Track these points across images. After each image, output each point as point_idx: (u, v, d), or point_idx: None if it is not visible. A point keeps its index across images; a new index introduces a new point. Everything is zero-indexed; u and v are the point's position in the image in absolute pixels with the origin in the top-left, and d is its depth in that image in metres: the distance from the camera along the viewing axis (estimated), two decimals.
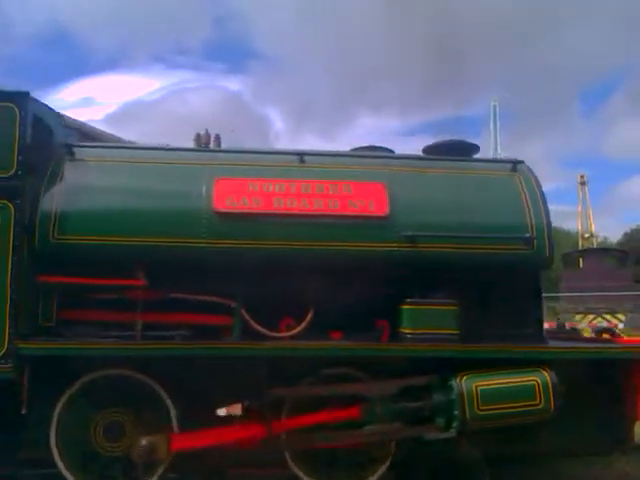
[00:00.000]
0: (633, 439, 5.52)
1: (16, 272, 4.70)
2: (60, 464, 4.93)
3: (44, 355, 4.76)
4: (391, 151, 6.31)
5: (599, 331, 6.28)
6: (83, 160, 5.31)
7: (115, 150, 5.54)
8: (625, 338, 6.13)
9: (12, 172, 4.79)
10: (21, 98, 4.86)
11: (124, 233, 5.02)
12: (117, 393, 5.08)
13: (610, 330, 6.48)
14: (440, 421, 5.07)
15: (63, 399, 4.97)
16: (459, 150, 6.18)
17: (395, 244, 5.21)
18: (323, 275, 5.25)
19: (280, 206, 5.16)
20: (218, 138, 6.16)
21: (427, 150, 6.32)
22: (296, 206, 5.18)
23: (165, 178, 5.28)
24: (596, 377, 5.41)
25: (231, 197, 5.15)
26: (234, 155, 5.59)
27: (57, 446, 4.94)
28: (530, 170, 5.77)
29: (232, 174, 5.30)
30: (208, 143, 6.03)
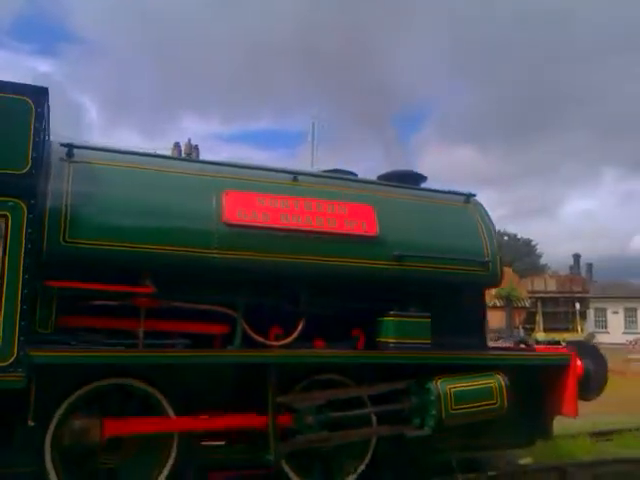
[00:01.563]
0: (552, 432, 6.67)
1: (28, 276, 4.43)
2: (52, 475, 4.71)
3: (49, 363, 4.55)
4: (354, 174, 6.89)
5: (517, 341, 7.42)
6: (85, 162, 5.12)
7: (114, 154, 5.40)
8: (539, 347, 7.32)
9: (26, 169, 4.50)
10: (39, 94, 4.62)
11: (134, 240, 4.97)
12: (116, 403, 4.99)
13: (524, 341, 7.68)
14: (416, 421, 5.73)
15: (60, 410, 4.77)
16: (410, 179, 6.98)
17: (384, 262, 5.78)
18: (316, 288, 5.67)
19: (287, 222, 5.47)
20: (197, 148, 6.26)
21: (383, 177, 7.02)
22: (301, 222, 5.52)
23: (172, 187, 5.30)
24: (521, 380, 6.45)
25: (242, 210, 5.34)
26: (236, 169, 5.76)
27: (52, 459, 4.72)
28: (479, 203, 6.73)
29: (237, 187, 5.49)
30: (191, 153, 6.10)
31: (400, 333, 5.73)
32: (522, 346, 7.10)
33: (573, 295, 36.07)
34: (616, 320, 51.62)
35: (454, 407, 5.66)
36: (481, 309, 6.69)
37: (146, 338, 5.04)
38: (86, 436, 4.61)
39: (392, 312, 5.79)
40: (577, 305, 35.70)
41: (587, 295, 38.32)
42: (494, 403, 5.83)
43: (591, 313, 46.57)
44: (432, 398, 5.61)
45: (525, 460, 7.15)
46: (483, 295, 6.71)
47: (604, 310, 51.82)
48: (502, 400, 5.87)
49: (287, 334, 5.62)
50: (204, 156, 5.49)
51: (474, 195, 6.73)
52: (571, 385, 6.27)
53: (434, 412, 5.59)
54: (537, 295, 34.48)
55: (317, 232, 5.56)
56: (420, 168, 6.89)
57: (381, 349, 5.76)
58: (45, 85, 4.69)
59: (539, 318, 34.59)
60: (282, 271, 5.43)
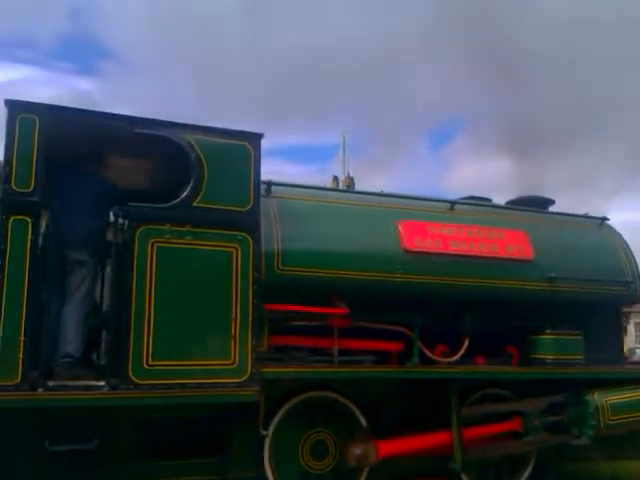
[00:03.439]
0: None
1: (256, 300, 5.00)
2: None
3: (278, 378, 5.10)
4: (489, 200, 7.40)
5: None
6: (281, 197, 5.71)
7: (302, 189, 6.00)
8: None
9: (249, 206, 5.11)
10: (255, 138, 5.22)
11: (330, 266, 5.52)
12: (319, 414, 5.54)
13: None
14: (574, 431, 6.16)
15: (276, 420, 5.32)
16: (539, 204, 7.46)
17: (538, 283, 6.27)
18: (478, 308, 6.15)
19: (455, 248, 6.00)
20: (353, 180, 6.81)
21: (512, 203, 7.51)
22: (467, 248, 6.04)
23: (356, 217, 5.88)
24: None
25: (417, 237, 5.88)
26: (402, 200, 6.33)
27: (270, 464, 5.26)
28: (613, 226, 7.21)
29: (409, 217, 6.03)
30: (350, 185, 6.66)
31: (557, 350, 6.18)
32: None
33: None
34: None
35: (610, 418, 6.08)
36: (619, 325, 7.13)
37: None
38: (365, 459, 5.27)
39: (548, 330, 6.24)
40: None
41: (628, 310, 38.13)
42: None
43: (631, 328, 46.16)
44: (591, 410, 6.04)
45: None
46: (620, 313, 7.15)
47: None
48: None
49: (451, 351, 6.11)
50: None
51: (608, 219, 7.20)
52: None
53: (593, 422, 6.02)
54: None
55: (482, 257, 6.07)
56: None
57: (538, 365, 6.21)
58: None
59: None
60: (452, 293, 5.95)
